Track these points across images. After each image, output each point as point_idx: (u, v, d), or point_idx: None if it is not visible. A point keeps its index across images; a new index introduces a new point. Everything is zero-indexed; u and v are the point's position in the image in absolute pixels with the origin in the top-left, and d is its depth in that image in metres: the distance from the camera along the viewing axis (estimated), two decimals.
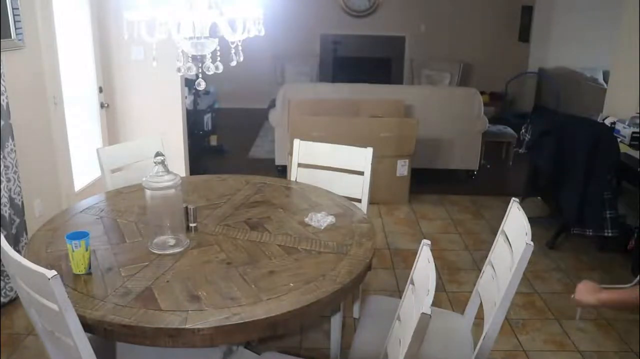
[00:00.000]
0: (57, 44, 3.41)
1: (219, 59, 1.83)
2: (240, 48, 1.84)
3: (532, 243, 1.69)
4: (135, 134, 4.17)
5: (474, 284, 2.14)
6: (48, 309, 1.42)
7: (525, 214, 1.88)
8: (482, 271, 2.08)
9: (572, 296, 1.65)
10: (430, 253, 1.60)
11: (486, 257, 2.06)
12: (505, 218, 2.02)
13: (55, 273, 1.33)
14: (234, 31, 1.78)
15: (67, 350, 1.48)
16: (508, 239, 1.92)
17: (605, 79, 6.24)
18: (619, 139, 3.64)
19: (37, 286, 1.41)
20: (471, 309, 2.13)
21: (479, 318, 2.07)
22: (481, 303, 2.05)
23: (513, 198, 2.01)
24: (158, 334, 1.46)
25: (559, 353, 2.67)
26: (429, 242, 1.66)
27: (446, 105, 5.07)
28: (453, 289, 3.21)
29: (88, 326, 1.46)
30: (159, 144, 2.66)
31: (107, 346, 1.85)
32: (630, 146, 3.64)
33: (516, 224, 1.90)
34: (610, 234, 3.48)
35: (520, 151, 3.95)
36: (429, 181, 4.99)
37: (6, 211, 2.77)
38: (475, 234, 4.01)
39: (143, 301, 1.55)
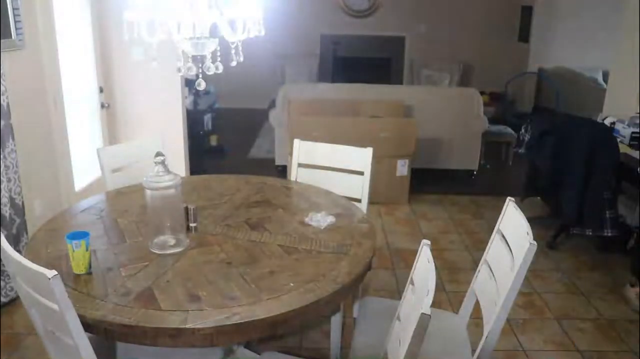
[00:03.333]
0: (57, 44, 3.41)
1: (219, 59, 1.83)
2: (240, 48, 1.84)
3: (535, 243, 1.68)
4: (135, 134, 4.17)
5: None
6: (48, 309, 1.42)
7: (522, 214, 1.88)
8: (477, 270, 2.08)
9: None
10: (430, 253, 1.61)
11: None
12: (500, 217, 2.02)
13: (56, 272, 1.33)
14: (234, 31, 1.79)
15: (67, 350, 1.48)
16: (505, 239, 1.92)
17: (605, 79, 6.23)
18: (618, 139, 3.63)
19: (38, 286, 1.41)
20: (466, 308, 2.13)
21: (475, 317, 2.07)
22: (477, 302, 2.05)
23: (509, 197, 2.01)
24: (158, 334, 1.46)
25: (559, 353, 2.67)
26: (428, 242, 1.66)
27: (446, 105, 5.06)
28: (453, 289, 3.21)
29: (88, 326, 1.46)
30: (159, 144, 2.65)
31: (107, 346, 1.85)
32: (630, 146, 3.64)
33: (514, 223, 1.90)
34: (610, 234, 3.49)
35: (520, 151, 3.95)
36: (429, 181, 4.99)
37: (6, 211, 2.78)
38: (475, 234, 4.01)
39: (143, 301, 1.55)
